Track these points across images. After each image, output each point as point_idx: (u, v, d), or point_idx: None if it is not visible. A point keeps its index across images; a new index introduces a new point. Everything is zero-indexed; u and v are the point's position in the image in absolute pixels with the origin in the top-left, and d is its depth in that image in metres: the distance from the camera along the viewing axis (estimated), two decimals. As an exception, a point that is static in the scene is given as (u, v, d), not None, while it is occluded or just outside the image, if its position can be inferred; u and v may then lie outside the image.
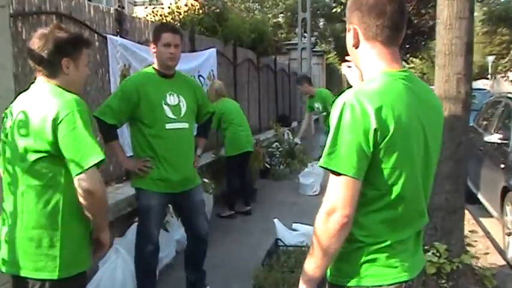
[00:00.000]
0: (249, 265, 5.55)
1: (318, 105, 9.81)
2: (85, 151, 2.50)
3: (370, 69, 2.13)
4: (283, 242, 5.71)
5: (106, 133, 4.33)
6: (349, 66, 2.74)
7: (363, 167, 1.93)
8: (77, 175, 2.50)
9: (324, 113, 9.72)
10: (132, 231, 5.03)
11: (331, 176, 1.96)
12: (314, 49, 19.96)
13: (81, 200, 2.55)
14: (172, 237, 5.81)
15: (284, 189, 9.93)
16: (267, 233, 6.70)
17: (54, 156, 2.53)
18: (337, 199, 1.94)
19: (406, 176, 2.01)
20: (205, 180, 7.07)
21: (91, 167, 2.49)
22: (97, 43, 5.51)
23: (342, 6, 25.43)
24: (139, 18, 6.80)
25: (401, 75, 2.10)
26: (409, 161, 2.02)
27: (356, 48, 2.16)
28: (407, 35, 23.43)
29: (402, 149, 1.98)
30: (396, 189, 2.01)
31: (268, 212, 7.95)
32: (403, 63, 25.08)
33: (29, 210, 2.60)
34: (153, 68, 4.41)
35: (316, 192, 9.49)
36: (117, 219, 5.14)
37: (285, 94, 16.83)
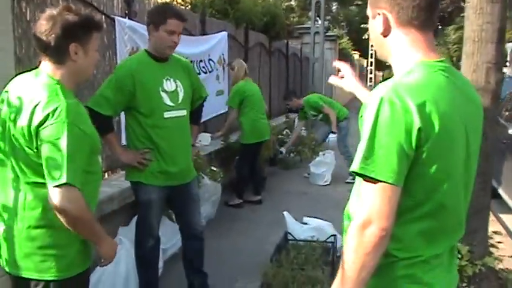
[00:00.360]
0: (256, 259, 5.39)
1: (310, 112, 9.62)
2: (59, 166, 2.28)
3: (404, 59, 1.89)
4: (292, 236, 5.51)
5: (101, 125, 3.75)
6: (341, 77, 2.54)
7: (403, 171, 1.71)
8: (48, 189, 2.31)
9: (320, 116, 9.59)
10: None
11: (366, 183, 1.73)
12: (327, 34, 19.61)
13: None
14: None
15: (294, 179, 9.73)
16: (275, 225, 6.54)
17: None
18: (374, 210, 1.71)
19: (448, 182, 1.78)
20: (214, 168, 6.89)
21: (59, 185, 2.27)
22: (104, 25, 5.28)
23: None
24: (149, 0, 6.55)
25: (440, 66, 1.86)
26: (453, 164, 1.79)
27: (385, 36, 1.92)
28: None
29: (446, 151, 1.75)
30: (437, 197, 1.78)
31: (277, 202, 7.79)
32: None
33: (30, 208, 2.43)
34: (146, 51, 4.08)
35: (327, 182, 9.29)
36: (122, 207, 4.97)
37: (297, 80, 16.56)
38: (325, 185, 9.17)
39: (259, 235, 6.37)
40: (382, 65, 55.62)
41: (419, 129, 1.67)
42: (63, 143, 2.27)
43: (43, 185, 2.33)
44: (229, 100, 7.67)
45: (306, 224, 5.79)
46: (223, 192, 7.13)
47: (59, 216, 2.32)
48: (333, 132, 9.63)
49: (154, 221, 4.23)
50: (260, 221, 7.03)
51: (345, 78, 2.56)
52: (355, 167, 1.72)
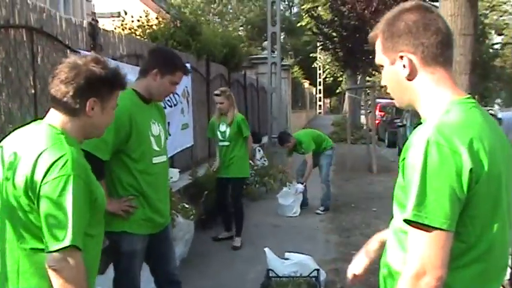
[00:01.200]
0: (240, 300, 5.16)
1: (300, 149, 9.33)
2: (63, 225, 2.04)
3: (434, 100, 1.78)
4: (275, 273, 5.32)
5: (97, 171, 3.52)
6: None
7: (456, 216, 1.61)
8: (47, 252, 2.05)
9: (303, 151, 9.25)
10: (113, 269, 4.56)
11: (417, 230, 1.61)
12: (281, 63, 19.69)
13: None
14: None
15: (262, 211, 9.49)
16: (253, 261, 6.37)
17: None
18: (428, 259, 1.59)
19: (498, 224, 1.68)
20: (186, 205, 6.62)
21: (61, 249, 2.03)
22: (69, 59, 5.02)
23: (310, 19, 25.52)
24: (113, 32, 6.33)
25: (471, 103, 1.77)
26: (501, 204, 1.69)
27: (411, 80, 1.80)
28: (375, 48, 23.90)
29: (495, 190, 1.66)
30: (487, 240, 1.68)
31: (250, 236, 7.55)
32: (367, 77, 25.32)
33: (25, 278, 2.16)
34: (134, 90, 3.75)
35: (296, 214, 9.10)
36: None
37: (254, 109, 16.51)
38: (294, 217, 8.98)
39: (238, 272, 6.14)
40: (330, 93, 56.58)
41: (470, 170, 1.59)
42: (69, 199, 2.04)
43: (42, 251, 2.07)
44: (247, 129, 7.30)
45: (287, 259, 5.60)
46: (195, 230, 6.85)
47: (52, 276, 2.05)
48: (301, 183, 9.32)
49: (138, 272, 3.87)
50: (236, 257, 6.78)
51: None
52: (407, 215, 1.62)
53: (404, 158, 1.69)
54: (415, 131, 1.72)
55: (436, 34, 1.75)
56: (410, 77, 1.79)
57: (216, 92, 7.31)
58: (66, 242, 2.02)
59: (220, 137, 7.29)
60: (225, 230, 7.60)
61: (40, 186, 2.05)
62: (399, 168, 1.75)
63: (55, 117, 2.25)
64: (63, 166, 2.06)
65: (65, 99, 2.20)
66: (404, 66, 1.79)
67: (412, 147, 1.65)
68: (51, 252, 2.03)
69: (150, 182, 3.71)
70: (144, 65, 3.90)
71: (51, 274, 2.06)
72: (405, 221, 1.63)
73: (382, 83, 1.94)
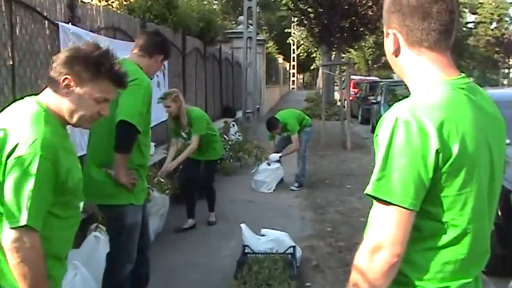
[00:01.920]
0: (214, 275, 5.23)
1: (285, 131, 9.19)
2: (20, 205, 2.01)
3: (420, 79, 1.77)
4: (251, 249, 5.35)
5: (133, 144, 3.61)
6: None
7: (419, 196, 1.60)
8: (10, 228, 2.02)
9: (288, 133, 9.11)
10: (89, 242, 4.55)
11: (378, 205, 1.62)
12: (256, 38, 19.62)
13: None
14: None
15: (236, 186, 9.52)
16: (226, 236, 6.39)
17: None
18: (385, 234, 1.60)
19: (472, 205, 1.68)
20: (161, 179, 6.60)
21: (16, 227, 2.01)
22: (48, 31, 4.94)
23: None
24: (91, 5, 6.22)
25: (460, 83, 1.75)
26: (476, 186, 1.68)
27: (396, 56, 1.81)
28: (350, 25, 23.90)
29: (468, 173, 1.64)
30: (461, 222, 1.67)
31: (224, 211, 7.56)
32: (341, 53, 25.19)
33: None
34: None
35: (271, 190, 9.14)
36: (72, 228, 4.60)
37: (229, 84, 16.48)
38: (269, 193, 9.02)
39: (213, 248, 6.15)
40: (303, 68, 56.62)
41: (437, 151, 1.57)
42: (31, 178, 2.01)
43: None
44: (200, 128, 6.73)
45: (263, 236, 5.64)
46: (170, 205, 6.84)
47: (7, 255, 2.04)
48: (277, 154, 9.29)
49: (135, 246, 3.89)
50: (210, 232, 6.80)
51: None
52: (368, 189, 1.63)
53: (377, 135, 1.70)
54: (392, 106, 1.71)
55: (422, 20, 1.72)
56: (396, 53, 1.80)
57: (160, 96, 6.64)
58: (22, 222, 2.00)
59: (186, 137, 6.91)
60: (188, 217, 7.07)
61: (6, 161, 2.03)
62: (373, 145, 1.76)
63: (45, 93, 2.25)
64: (31, 145, 2.04)
65: (50, 72, 2.23)
66: (392, 42, 1.80)
67: (383, 123, 1.66)
68: (7, 230, 2.02)
69: (147, 153, 3.89)
70: (150, 46, 3.89)
71: (7, 253, 2.04)
72: (367, 195, 1.64)
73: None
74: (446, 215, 1.65)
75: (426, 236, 1.66)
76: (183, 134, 6.87)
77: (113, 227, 3.94)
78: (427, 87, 1.71)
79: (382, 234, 1.60)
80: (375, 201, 1.64)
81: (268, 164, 9.33)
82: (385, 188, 1.59)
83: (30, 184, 2.01)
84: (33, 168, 2.02)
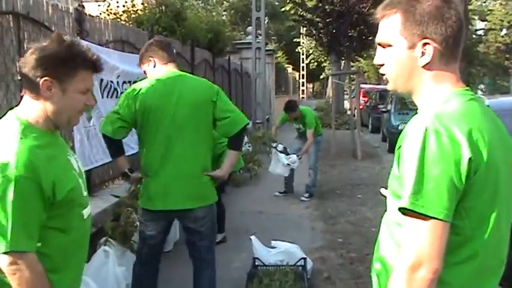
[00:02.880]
0: (226, 288, 5.16)
1: (298, 126, 9.27)
2: (3, 230, 1.96)
3: (435, 90, 1.74)
4: (261, 262, 5.32)
5: None
6: None
7: (453, 207, 1.57)
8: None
9: (303, 126, 9.17)
10: (98, 256, 4.52)
11: (413, 220, 1.57)
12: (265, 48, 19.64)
13: None
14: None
15: (247, 197, 9.52)
16: (237, 249, 6.34)
17: None
18: (424, 249, 1.55)
19: (494, 217, 1.65)
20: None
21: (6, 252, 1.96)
22: (56, 46, 4.95)
23: (293, 5, 25.38)
24: (100, 18, 6.25)
25: (470, 94, 1.74)
26: (498, 197, 1.66)
27: (429, 69, 1.73)
28: (359, 34, 23.85)
29: (493, 183, 1.63)
30: (483, 234, 1.64)
31: (235, 222, 7.53)
32: (350, 62, 25.10)
33: None
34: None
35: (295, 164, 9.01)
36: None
37: (238, 95, 16.43)
38: (280, 198, 8.96)
39: (224, 260, 6.08)
40: (313, 78, 56.58)
41: (469, 159, 1.55)
42: (8, 202, 1.94)
43: None
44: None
45: (273, 247, 5.60)
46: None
47: (9, 278, 2.01)
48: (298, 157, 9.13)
49: None
50: (220, 244, 6.75)
51: None
52: (403, 203, 1.58)
53: (400, 147, 1.66)
54: (411, 120, 1.68)
55: (460, 26, 1.71)
56: (427, 66, 1.72)
57: None
58: (7, 248, 1.95)
59: None
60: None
61: None
62: (394, 157, 1.72)
63: (23, 103, 2.16)
64: (4, 168, 1.96)
65: (24, 82, 2.13)
66: (423, 53, 1.71)
67: (409, 135, 1.62)
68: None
69: None
70: (173, 54, 4.04)
71: (8, 276, 2.01)
72: (401, 209, 1.59)
73: (379, 62, 1.83)
74: (471, 227, 1.63)
75: (450, 250, 1.62)
76: None
77: (213, 226, 4.17)
78: (445, 99, 1.69)
79: (421, 250, 1.56)
80: (406, 217, 1.59)
81: (288, 165, 9.07)
82: (422, 201, 1.55)
83: (9, 208, 1.94)
84: (10, 191, 1.94)
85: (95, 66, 2.22)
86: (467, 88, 1.77)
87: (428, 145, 1.55)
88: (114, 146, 3.98)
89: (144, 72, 4.06)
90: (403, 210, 1.59)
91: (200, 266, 4.17)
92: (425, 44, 1.70)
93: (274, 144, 9.46)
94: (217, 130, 4.00)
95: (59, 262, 2.19)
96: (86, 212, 2.33)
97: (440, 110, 1.63)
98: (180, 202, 3.87)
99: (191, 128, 3.83)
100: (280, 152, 9.12)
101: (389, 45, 1.77)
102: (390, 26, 1.76)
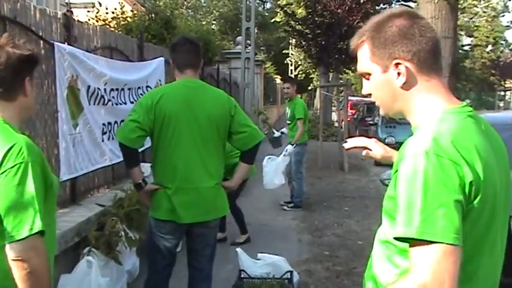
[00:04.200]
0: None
1: (288, 110, 9.41)
2: (28, 214, 1.99)
3: (428, 109, 1.70)
4: (247, 274, 5.26)
5: None
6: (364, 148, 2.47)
7: (461, 230, 1.50)
8: (9, 243, 1.99)
9: (289, 122, 9.35)
10: (81, 267, 4.43)
11: (421, 248, 1.49)
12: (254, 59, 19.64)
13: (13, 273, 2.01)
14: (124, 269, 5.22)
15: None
16: (221, 260, 6.22)
17: None
18: (444, 277, 1.46)
19: (491, 241, 1.61)
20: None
21: (30, 235, 1.99)
22: (43, 51, 4.87)
23: (284, 15, 25.44)
24: (88, 24, 6.17)
25: (467, 111, 1.69)
26: (497, 220, 1.62)
27: (407, 89, 1.71)
28: (348, 47, 23.98)
29: (492, 205, 1.58)
30: (479, 258, 1.60)
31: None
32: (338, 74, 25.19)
33: None
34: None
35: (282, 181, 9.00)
36: (64, 252, 4.47)
37: (226, 104, 16.43)
38: (266, 210, 8.92)
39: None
40: (301, 89, 56.72)
41: (470, 182, 1.50)
42: (30, 185, 2.00)
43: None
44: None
45: (260, 260, 5.54)
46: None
47: (16, 268, 1.98)
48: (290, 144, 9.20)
49: None
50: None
51: (374, 148, 2.46)
52: (412, 233, 1.49)
53: (397, 171, 1.60)
54: (407, 142, 1.63)
55: (431, 41, 1.69)
56: (406, 86, 1.71)
57: None
58: (36, 228, 1.99)
59: None
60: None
61: None
62: (391, 180, 1.67)
63: None
64: (18, 154, 2.02)
65: (3, 85, 2.14)
66: (399, 74, 1.70)
67: (407, 158, 1.56)
68: (17, 241, 1.97)
69: None
70: (191, 59, 3.94)
71: (16, 266, 1.98)
72: (406, 239, 1.52)
73: (366, 92, 1.84)
74: (466, 251, 1.55)
75: None
76: None
77: (216, 238, 4.28)
78: (440, 118, 1.64)
79: (443, 278, 1.46)
80: (415, 245, 1.51)
81: (284, 155, 9.04)
82: (432, 228, 1.47)
83: (31, 190, 2.01)
84: (29, 175, 2.01)
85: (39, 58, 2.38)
86: (464, 104, 1.73)
87: (430, 170, 1.50)
88: (131, 155, 3.87)
89: None
90: (411, 241, 1.51)
91: (198, 276, 4.19)
92: (397, 64, 1.70)
93: (274, 131, 9.74)
94: (233, 143, 4.00)
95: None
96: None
97: (438, 132, 1.58)
98: (201, 215, 3.89)
99: (209, 140, 3.82)
100: (276, 138, 9.63)
101: (369, 74, 1.79)
102: (363, 56, 1.78)
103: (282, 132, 9.73)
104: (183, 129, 3.75)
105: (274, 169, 8.91)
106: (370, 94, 1.84)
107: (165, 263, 4.07)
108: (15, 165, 2.00)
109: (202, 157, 3.80)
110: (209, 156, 3.83)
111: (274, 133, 9.81)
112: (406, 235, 1.51)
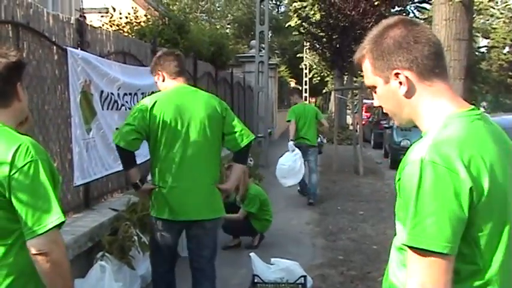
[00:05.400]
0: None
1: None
2: (48, 207, 2.04)
3: (433, 114, 1.69)
4: (261, 279, 5.24)
5: None
6: None
7: (457, 239, 1.50)
8: (31, 238, 2.03)
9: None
10: (95, 271, 4.44)
11: (415, 255, 1.51)
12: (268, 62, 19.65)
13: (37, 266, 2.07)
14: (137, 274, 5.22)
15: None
16: (235, 265, 6.23)
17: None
18: (430, 285, 1.49)
19: (507, 242, 1.59)
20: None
21: (51, 228, 2.04)
22: (56, 57, 4.89)
23: (298, 19, 25.43)
24: (101, 29, 6.19)
25: (475, 114, 1.67)
26: (508, 224, 1.59)
27: (409, 97, 1.71)
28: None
29: (502, 207, 1.57)
30: (497, 261, 1.58)
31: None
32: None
33: None
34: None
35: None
36: (77, 257, 4.49)
37: (241, 108, 16.40)
38: (281, 213, 8.89)
39: (223, 276, 5.96)
40: (315, 92, 56.65)
41: (470, 189, 1.49)
42: (44, 180, 2.05)
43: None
44: (250, 206, 7.21)
45: (273, 264, 5.52)
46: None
47: (41, 262, 2.04)
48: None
49: None
50: (219, 260, 6.58)
51: None
52: (405, 239, 1.52)
53: (399, 179, 1.61)
54: (411, 148, 1.63)
55: (428, 45, 1.69)
56: (408, 94, 1.71)
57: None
58: (58, 220, 2.04)
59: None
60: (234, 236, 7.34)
61: (9, 178, 2.02)
62: (395, 188, 1.67)
63: None
64: (26, 152, 2.06)
65: None
66: (401, 83, 1.70)
67: (407, 166, 1.57)
68: (39, 235, 2.01)
69: None
70: (182, 68, 4.28)
71: (40, 260, 2.04)
72: (404, 245, 1.54)
73: (377, 104, 1.86)
74: (481, 256, 1.56)
75: (463, 279, 1.57)
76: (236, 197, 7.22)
77: (215, 240, 4.35)
78: (444, 123, 1.63)
79: (426, 286, 1.49)
80: (410, 252, 1.53)
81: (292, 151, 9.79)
82: (421, 236, 1.49)
83: (46, 185, 2.05)
84: (41, 171, 2.05)
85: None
86: (473, 108, 1.71)
87: (424, 178, 1.50)
88: (128, 157, 4.09)
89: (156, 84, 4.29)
90: (407, 248, 1.54)
91: (200, 276, 4.30)
92: (396, 74, 1.70)
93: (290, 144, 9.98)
94: (225, 144, 4.24)
95: None
96: None
97: (439, 138, 1.58)
98: (194, 213, 4.08)
99: (204, 142, 4.05)
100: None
101: (375, 87, 1.80)
102: (366, 69, 1.81)
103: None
104: (177, 132, 3.98)
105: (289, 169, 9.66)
106: (381, 106, 1.85)
107: (164, 259, 4.28)
108: (26, 163, 2.03)
109: (196, 158, 4.03)
110: (204, 158, 4.07)
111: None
112: (402, 242, 1.55)
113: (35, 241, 2.02)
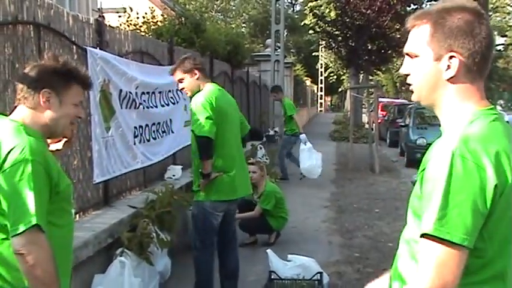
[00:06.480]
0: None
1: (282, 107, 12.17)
2: (27, 208, 2.09)
3: (459, 109, 1.71)
4: (277, 275, 5.27)
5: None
6: None
7: (476, 233, 1.54)
8: (12, 237, 2.09)
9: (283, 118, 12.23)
10: (114, 267, 4.51)
11: (434, 244, 1.53)
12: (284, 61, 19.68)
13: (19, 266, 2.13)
14: (156, 270, 5.29)
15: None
16: (251, 262, 6.28)
17: None
18: (445, 276, 1.52)
19: None
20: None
21: (25, 230, 2.07)
22: (75, 56, 4.98)
23: (313, 18, 25.44)
24: (119, 29, 6.27)
25: (495, 114, 1.70)
26: None
27: (452, 82, 1.70)
28: (378, 48, 23.79)
29: None
30: (505, 256, 1.62)
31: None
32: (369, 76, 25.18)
33: None
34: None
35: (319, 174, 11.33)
36: (97, 253, 4.57)
37: (257, 107, 16.44)
38: (296, 212, 8.93)
39: (239, 273, 6.06)
40: (331, 91, 56.58)
41: (495, 186, 1.52)
42: (29, 182, 2.11)
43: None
44: (266, 203, 7.32)
45: (290, 261, 5.56)
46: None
47: (19, 261, 2.10)
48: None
49: None
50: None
51: None
52: (428, 228, 1.54)
53: (424, 169, 1.63)
54: (436, 142, 1.65)
55: (489, 43, 1.69)
56: (452, 80, 1.70)
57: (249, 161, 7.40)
58: (33, 221, 2.07)
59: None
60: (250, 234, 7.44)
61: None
62: (417, 178, 1.69)
63: (17, 113, 2.34)
64: (20, 152, 2.12)
65: (22, 93, 2.33)
66: (449, 66, 1.69)
67: (434, 158, 1.59)
68: (16, 235, 2.07)
69: None
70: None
71: (19, 259, 2.09)
72: (424, 235, 1.56)
73: (405, 71, 1.83)
74: (492, 249, 1.59)
75: (471, 271, 1.59)
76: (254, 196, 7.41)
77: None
78: (470, 120, 1.66)
79: (442, 277, 1.52)
80: (427, 241, 1.55)
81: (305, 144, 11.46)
82: (447, 227, 1.51)
83: (30, 187, 2.10)
84: (28, 172, 2.10)
85: (86, 81, 2.49)
86: (492, 107, 1.74)
87: (454, 170, 1.53)
88: (212, 147, 4.65)
89: (180, 80, 4.85)
90: (425, 236, 1.56)
91: (230, 246, 5.10)
92: (451, 57, 1.68)
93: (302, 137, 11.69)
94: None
95: (59, 259, 2.26)
96: (73, 211, 2.57)
97: (466, 133, 1.60)
98: (246, 190, 5.11)
99: (238, 130, 5.02)
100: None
101: (417, 56, 1.76)
102: (419, 37, 1.75)
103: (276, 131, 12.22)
104: (231, 124, 4.83)
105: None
106: (407, 75, 1.83)
107: (215, 239, 4.98)
108: (16, 163, 2.11)
109: (239, 144, 5.00)
110: (240, 143, 5.04)
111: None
112: (424, 231, 1.55)
113: (13, 240, 2.09)
